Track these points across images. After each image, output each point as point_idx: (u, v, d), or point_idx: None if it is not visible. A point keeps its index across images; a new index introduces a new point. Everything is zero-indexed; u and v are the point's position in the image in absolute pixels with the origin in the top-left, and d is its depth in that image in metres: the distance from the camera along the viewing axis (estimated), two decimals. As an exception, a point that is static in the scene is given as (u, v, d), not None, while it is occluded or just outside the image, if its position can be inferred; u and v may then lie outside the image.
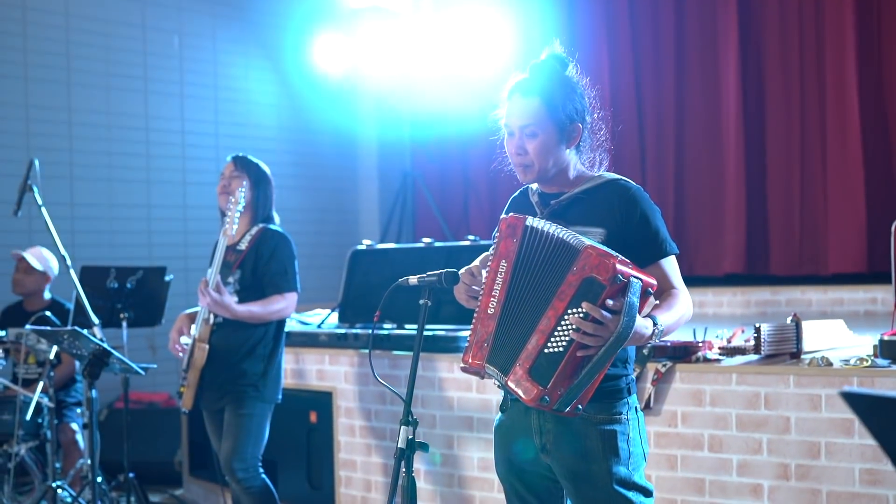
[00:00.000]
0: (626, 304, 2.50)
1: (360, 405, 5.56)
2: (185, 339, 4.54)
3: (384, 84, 9.59)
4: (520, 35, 8.90)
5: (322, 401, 5.72)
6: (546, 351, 2.58)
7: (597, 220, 2.84)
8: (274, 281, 4.55)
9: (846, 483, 3.94)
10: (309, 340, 5.86)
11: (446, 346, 5.25)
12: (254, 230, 4.61)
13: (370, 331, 5.65)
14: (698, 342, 4.41)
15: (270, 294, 4.55)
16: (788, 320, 4.34)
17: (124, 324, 5.74)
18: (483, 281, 2.77)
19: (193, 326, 4.55)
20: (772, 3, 8.21)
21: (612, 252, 2.57)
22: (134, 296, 5.77)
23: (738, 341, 4.70)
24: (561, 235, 2.65)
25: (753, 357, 4.29)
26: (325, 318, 6.35)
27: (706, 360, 4.31)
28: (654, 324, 2.62)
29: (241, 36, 9.01)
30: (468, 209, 9.86)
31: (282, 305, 4.55)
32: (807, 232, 8.03)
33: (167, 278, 6.03)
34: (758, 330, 4.19)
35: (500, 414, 2.99)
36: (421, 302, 2.91)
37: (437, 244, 6.12)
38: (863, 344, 4.90)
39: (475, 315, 2.76)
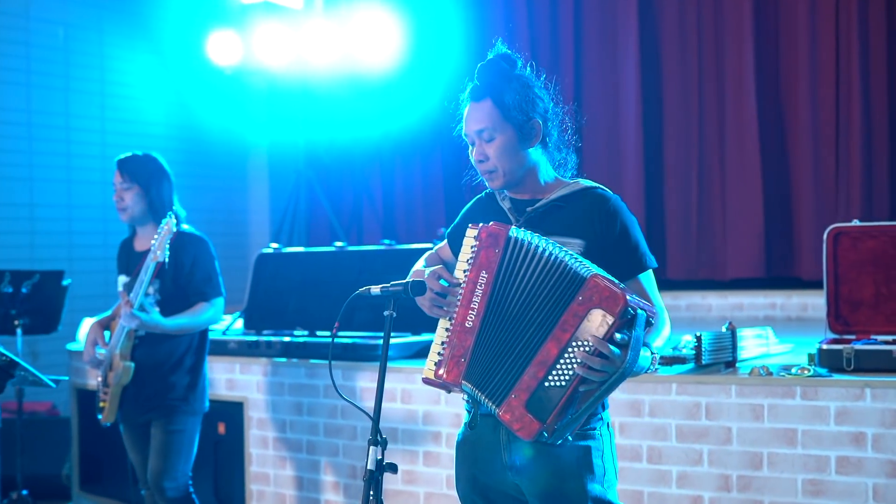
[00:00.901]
0: (633, 337, 2.40)
1: (274, 416, 5.34)
2: (100, 350, 4.27)
3: (277, 81, 9.35)
4: (416, 34, 8.77)
5: (232, 411, 5.49)
6: (546, 384, 2.47)
7: (576, 230, 2.74)
8: (199, 289, 4.35)
9: (789, 494, 3.92)
10: (217, 348, 5.60)
11: (367, 354, 5.09)
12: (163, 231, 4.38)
13: (328, 341, 5.42)
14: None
15: (197, 302, 4.34)
16: (724, 328, 4.31)
17: (19, 331, 5.40)
18: (460, 290, 2.62)
19: (108, 334, 4.30)
20: (671, 5, 8.24)
21: (616, 281, 2.47)
22: (29, 301, 5.43)
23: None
24: (556, 255, 2.54)
25: (690, 366, 4.25)
26: (230, 325, 6.10)
27: (644, 369, 4.24)
28: (652, 353, 2.53)
29: (129, 29, 8.65)
30: (361, 211, 9.69)
31: (211, 313, 4.36)
32: (705, 237, 8.10)
33: (64, 283, 5.70)
34: (698, 339, 4.15)
35: (462, 428, 2.85)
36: (386, 313, 2.74)
37: (350, 248, 5.98)
38: (787, 351, 4.93)
39: (448, 327, 2.63)
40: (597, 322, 2.40)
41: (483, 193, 3.02)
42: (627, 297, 2.40)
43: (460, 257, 2.68)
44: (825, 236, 4.47)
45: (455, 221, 3.06)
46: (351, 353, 5.11)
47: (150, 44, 8.81)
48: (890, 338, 4.26)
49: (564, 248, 2.57)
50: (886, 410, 3.78)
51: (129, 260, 4.44)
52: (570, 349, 2.44)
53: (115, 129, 8.46)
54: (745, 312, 7.49)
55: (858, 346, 4.04)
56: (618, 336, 2.40)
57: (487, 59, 2.84)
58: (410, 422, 4.84)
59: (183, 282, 4.31)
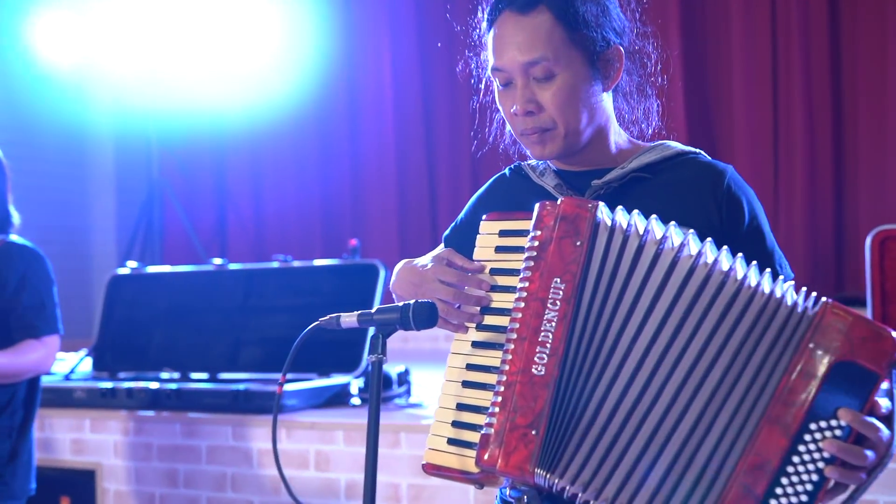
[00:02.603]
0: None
1: (138, 488, 4.14)
2: None
3: (125, 76, 8.11)
4: (288, 25, 7.78)
5: (79, 483, 4.31)
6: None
7: (677, 216, 1.71)
8: (28, 321, 3.20)
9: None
10: (57, 398, 4.38)
11: (262, 404, 3.92)
12: None
13: (211, 386, 4.20)
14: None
15: (22, 339, 3.18)
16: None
17: None
18: (512, 305, 1.68)
19: None
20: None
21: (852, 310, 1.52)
22: None
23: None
24: (714, 258, 1.62)
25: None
26: (75, 366, 4.83)
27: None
28: None
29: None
30: (226, 225, 8.53)
31: (39, 355, 3.19)
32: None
33: None
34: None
35: None
36: (370, 359, 1.73)
37: (233, 266, 4.84)
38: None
39: (500, 373, 1.66)
40: (847, 385, 1.40)
41: (507, 170, 2.01)
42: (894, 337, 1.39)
43: (477, 255, 1.80)
44: (868, 242, 3.50)
45: (460, 217, 2.04)
46: (242, 404, 3.94)
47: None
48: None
49: (712, 243, 1.62)
50: None
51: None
52: (806, 437, 1.38)
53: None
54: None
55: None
56: (884, 406, 1.43)
57: None
58: (329, 496, 3.68)
59: (4, 307, 3.11)
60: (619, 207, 1.66)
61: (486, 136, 1.97)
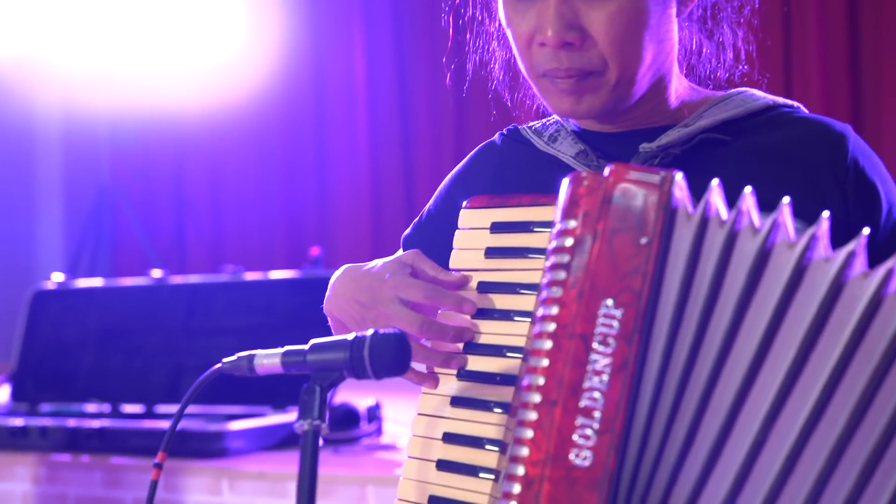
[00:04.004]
0: None
1: None
2: None
3: (73, 74, 7.74)
4: (253, 20, 7.44)
5: None
6: None
7: (768, 195, 1.09)
8: None
9: None
10: None
11: (201, 447, 3.35)
12: None
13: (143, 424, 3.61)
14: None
15: None
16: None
17: None
18: (527, 343, 1.12)
19: None
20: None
21: None
22: None
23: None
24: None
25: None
26: (-11, 397, 4.26)
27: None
28: None
29: None
30: (184, 235, 8.26)
31: None
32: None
33: None
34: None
35: None
36: (302, 427, 1.12)
37: (175, 280, 4.33)
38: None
39: (511, 461, 1.03)
40: None
41: (497, 136, 1.38)
42: None
43: (456, 262, 1.22)
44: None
45: (427, 208, 1.45)
46: (176, 446, 3.31)
47: None
48: None
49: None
50: None
51: None
52: None
53: None
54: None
55: None
56: None
57: None
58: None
59: None
60: (715, 181, 1.02)
61: (465, 70, 1.34)
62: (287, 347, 1.13)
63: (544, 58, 1.19)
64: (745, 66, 1.31)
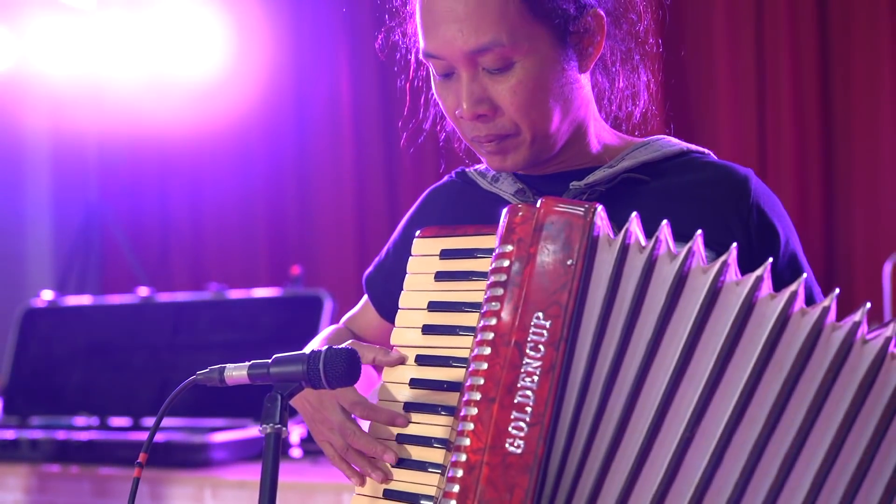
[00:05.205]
0: None
1: None
2: None
3: (62, 92, 7.65)
4: (236, 37, 7.27)
5: None
6: None
7: (689, 231, 1.23)
8: None
9: None
10: None
11: (187, 457, 3.44)
12: None
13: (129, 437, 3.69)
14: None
15: None
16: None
17: None
18: (470, 350, 1.24)
19: None
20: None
21: None
22: None
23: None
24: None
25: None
26: (-18, 412, 4.35)
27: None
28: None
29: None
30: (169, 253, 8.04)
31: None
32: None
33: None
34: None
35: None
36: (265, 429, 1.24)
37: (161, 298, 4.38)
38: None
39: (454, 450, 1.19)
40: None
41: (454, 174, 1.56)
42: None
43: (410, 285, 1.37)
44: (888, 269, 3.03)
45: (386, 248, 1.65)
46: (162, 457, 3.43)
47: None
48: None
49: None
50: None
51: None
52: None
53: None
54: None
55: None
56: None
57: None
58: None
59: None
60: (634, 213, 1.17)
61: (420, 123, 1.49)
62: (253, 361, 1.27)
63: (467, 127, 1.36)
64: (654, 107, 1.47)
